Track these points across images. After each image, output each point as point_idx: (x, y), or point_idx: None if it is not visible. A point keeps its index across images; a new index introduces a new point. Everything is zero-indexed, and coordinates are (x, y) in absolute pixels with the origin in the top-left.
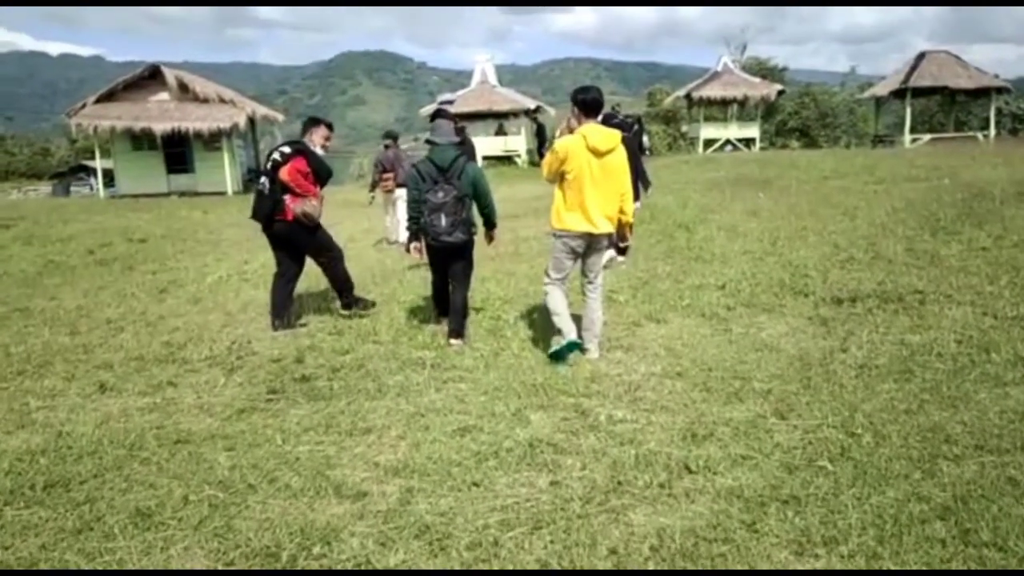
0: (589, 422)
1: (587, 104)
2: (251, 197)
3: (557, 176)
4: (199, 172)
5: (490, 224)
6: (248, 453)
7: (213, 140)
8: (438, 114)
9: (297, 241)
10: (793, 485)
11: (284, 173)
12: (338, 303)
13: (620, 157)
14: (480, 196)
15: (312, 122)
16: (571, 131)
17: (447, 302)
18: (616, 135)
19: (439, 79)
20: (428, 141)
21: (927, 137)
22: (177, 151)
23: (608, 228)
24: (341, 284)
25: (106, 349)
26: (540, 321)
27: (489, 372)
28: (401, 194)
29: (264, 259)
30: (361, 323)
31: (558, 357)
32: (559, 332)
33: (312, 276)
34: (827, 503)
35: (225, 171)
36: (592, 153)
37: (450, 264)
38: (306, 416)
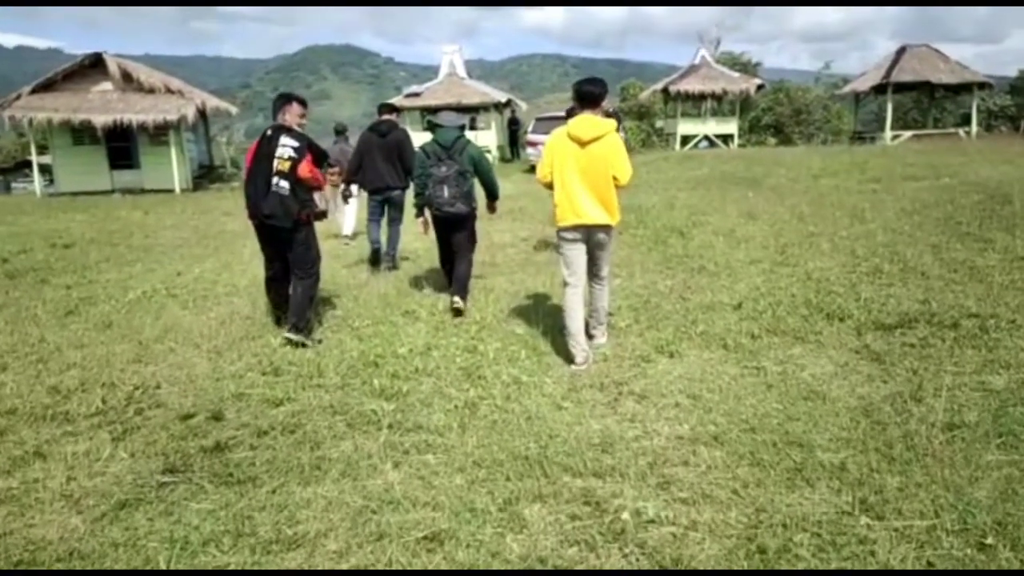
0: (608, 523)
1: (579, 95)
2: (200, 195)
3: (551, 174)
4: (145, 168)
5: (493, 196)
6: None
7: (159, 133)
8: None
9: (299, 242)
10: None
11: (304, 171)
12: (281, 335)
13: (607, 146)
14: (483, 172)
15: (284, 99)
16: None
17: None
18: (604, 124)
19: (406, 74)
20: (432, 124)
21: (908, 134)
22: (121, 146)
23: (603, 219)
24: (307, 305)
25: None
26: (529, 354)
27: (465, 435)
28: (351, 190)
29: (199, 271)
30: (304, 358)
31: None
32: (570, 346)
33: (247, 295)
34: None
35: (173, 167)
36: (575, 142)
37: (453, 235)
38: (211, 514)
